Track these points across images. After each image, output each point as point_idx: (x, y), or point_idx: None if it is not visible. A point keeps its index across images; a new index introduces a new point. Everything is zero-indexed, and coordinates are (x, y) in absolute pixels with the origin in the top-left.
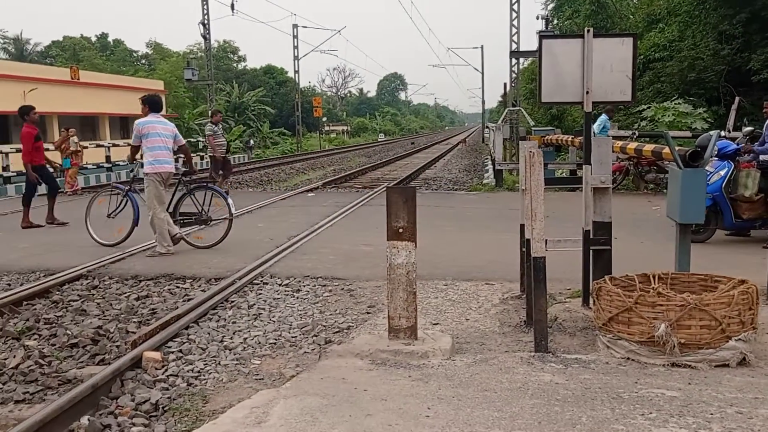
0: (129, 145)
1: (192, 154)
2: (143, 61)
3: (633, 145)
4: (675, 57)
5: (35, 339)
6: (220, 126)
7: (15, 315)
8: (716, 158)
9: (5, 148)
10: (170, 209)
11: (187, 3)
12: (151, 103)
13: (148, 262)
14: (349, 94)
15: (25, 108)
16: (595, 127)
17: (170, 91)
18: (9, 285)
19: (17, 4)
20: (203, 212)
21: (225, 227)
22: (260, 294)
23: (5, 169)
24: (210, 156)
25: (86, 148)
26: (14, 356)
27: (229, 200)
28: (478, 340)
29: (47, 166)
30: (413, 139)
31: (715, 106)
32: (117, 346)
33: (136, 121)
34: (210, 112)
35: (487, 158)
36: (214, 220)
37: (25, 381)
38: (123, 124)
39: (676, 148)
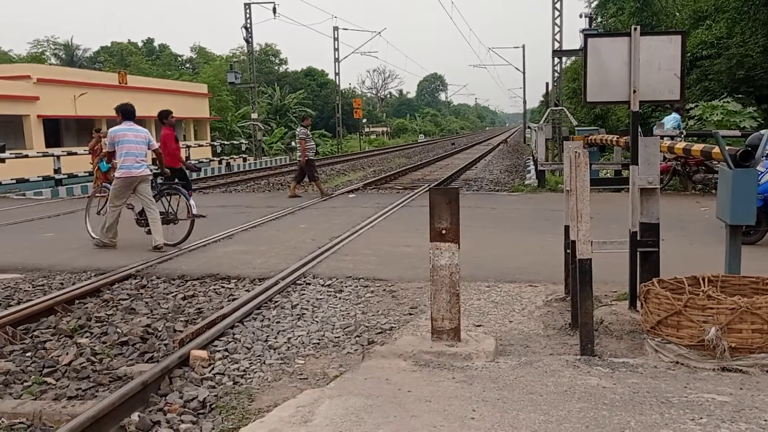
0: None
1: (234, 157)
2: (187, 65)
3: (681, 144)
4: (723, 54)
5: (87, 337)
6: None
7: (68, 313)
8: (767, 158)
9: (57, 151)
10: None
11: (231, 8)
12: (124, 112)
13: (193, 263)
14: (389, 96)
15: (164, 112)
16: (669, 125)
17: (214, 94)
18: (62, 284)
19: (68, 12)
20: (170, 212)
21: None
22: (303, 294)
23: (57, 171)
24: (298, 160)
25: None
26: (67, 353)
27: (191, 201)
28: (522, 343)
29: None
30: (453, 139)
31: (765, 105)
32: (165, 345)
33: (110, 130)
34: (301, 117)
35: (528, 159)
36: (181, 219)
37: (78, 378)
38: None
39: (726, 147)
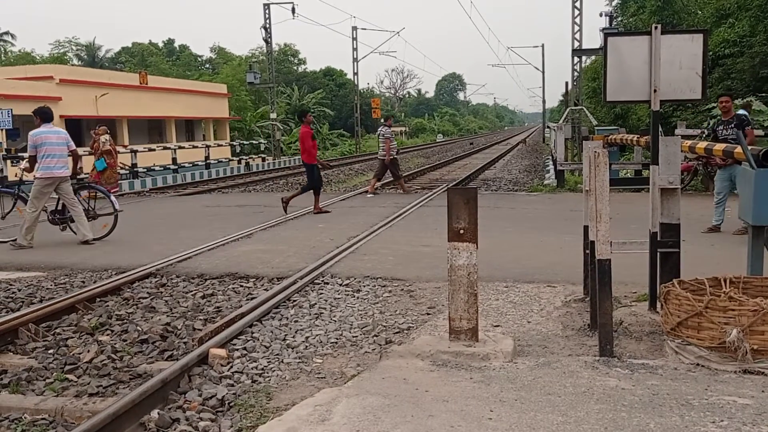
0: (194, 147)
1: (253, 157)
2: (207, 66)
3: (702, 144)
4: (746, 53)
5: (108, 334)
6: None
7: (89, 311)
8: None
9: (79, 150)
10: (59, 207)
11: (250, 8)
12: (42, 115)
13: (212, 261)
14: (407, 95)
15: (302, 111)
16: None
17: (233, 94)
18: (83, 282)
19: (90, 14)
20: (90, 209)
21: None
22: (321, 293)
23: (79, 170)
24: (381, 158)
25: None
26: (88, 351)
27: (112, 197)
28: (541, 343)
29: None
30: (472, 139)
31: None
32: (184, 343)
33: (30, 133)
34: (383, 117)
35: (547, 158)
36: (101, 215)
37: (99, 375)
38: (188, 127)
39: (749, 147)
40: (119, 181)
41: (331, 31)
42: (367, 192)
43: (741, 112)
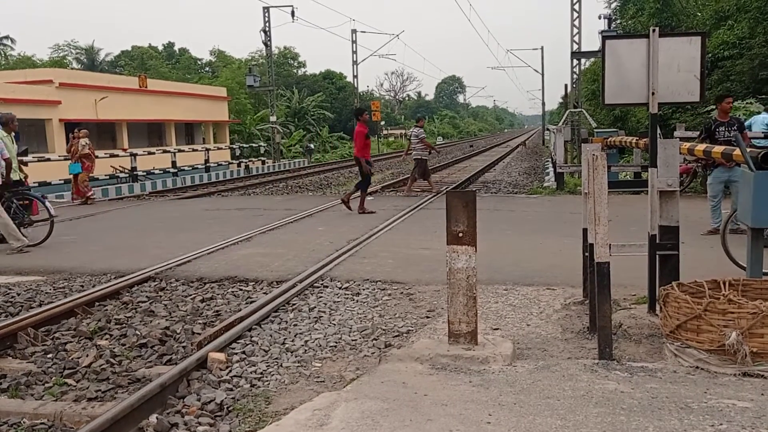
0: (194, 150)
1: (253, 160)
2: (207, 69)
3: (701, 146)
4: (745, 55)
5: (107, 339)
6: None
7: (88, 315)
8: None
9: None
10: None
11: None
12: None
13: (212, 265)
14: (407, 98)
15: (359, 110)
16: (760, 127)
17: (232, 97)
18: (82, 286)
19: (90, 17)
20: (24, 216)
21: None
22: (320, 297)
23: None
24: (416, 159)
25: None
26: (87, 355)
27: (47, 203)
28: (540, 346)
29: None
30: (472, 142)
31: None
32: (183, 347)
33: None
34: (415, 119)
35: (547, 161)
36: (36, 222)
37: (98, 379)
38: (188, 130)
39: (748, 149)
40: (92, 188)
41: (331, 34)
42: (405, 192)
43: (764, 115)
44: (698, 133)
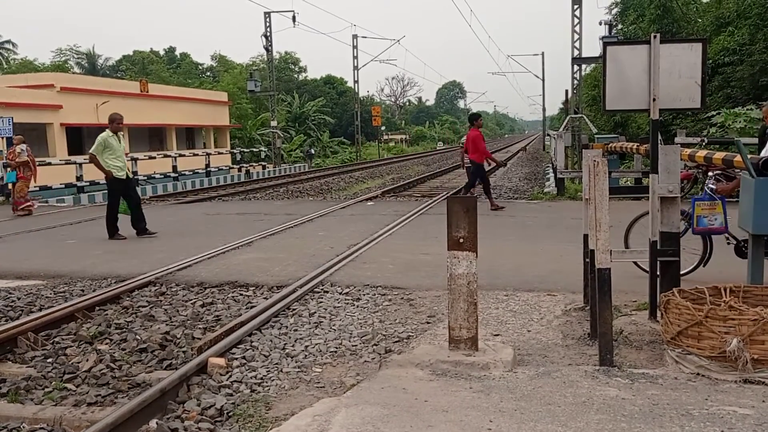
0: (194, 155)
1: (254, 164)
2: (208, 74)
3: (702, 152)
4: (746, 61)
5: (107, 343)
6: None
7: (88, 320)
8: None
9: (79, 158)
10: None
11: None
12: None
13: (212, 270)
14: (407, 103)
15: (474, 115)
16: None
17: (233, 101)
18: (83, 291)
19: (91, 21)
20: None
21: None
22: (321, 302)
23: (79, 178)
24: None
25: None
26: (87, 360)
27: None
28: (541, 353)
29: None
30: None
31: None
32: (183, 352)
33: None
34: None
35: (547, 166)
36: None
37: (98, 384)
38: (189, 135)
39: (749, 155)
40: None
41: (332, 39)
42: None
43: None
44: (699, 140)
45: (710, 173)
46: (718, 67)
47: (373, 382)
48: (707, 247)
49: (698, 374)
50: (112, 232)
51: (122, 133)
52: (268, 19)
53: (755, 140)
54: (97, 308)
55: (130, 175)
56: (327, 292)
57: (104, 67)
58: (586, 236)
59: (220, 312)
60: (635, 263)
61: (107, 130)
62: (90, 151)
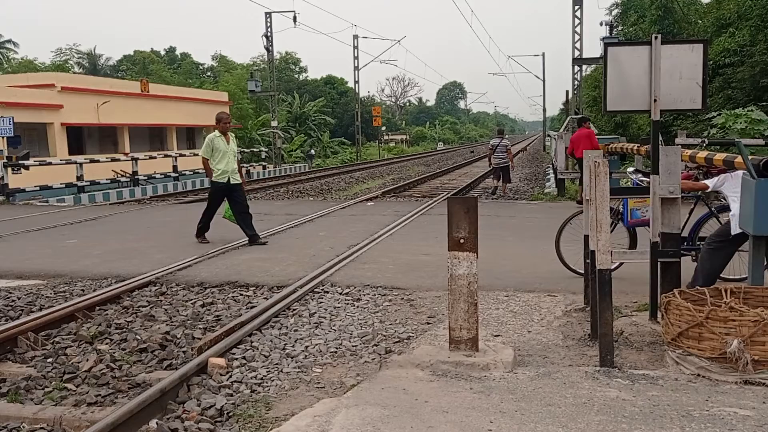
0: (195, 155)
1: (254, 164)
2: (209, 74)
3: (703, 153)
4: (746, 62)
5: (107, 343)
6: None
7: (88, 320)
8: None
9: (80, 158)
10: None
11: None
12: None
13: (212, 270)
14: (408, 104)
15: (583, 118)
16: None
17: (234, 102)
18: (83, 291)
19: (92, 21)
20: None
21: None
22: (321, 302)
23: (80, 178)
24: (497, 165)
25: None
26: (87, 360)
27: None
28: (541, 353)
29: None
30: (473, 147)
31: None
32: (183, 352)
33: None
34: (498, 131)
35: (548, 167)
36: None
37: (97, 384)
38: (189, 135)
39: (750, 156)
40: None
41: (333, 39)
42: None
43: None
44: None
45: (631, 169)
46: (719, 68)
47: (373, 383)
48: (634, 239)
49: (699, 375)
50: (199, 234)
51: (232, 133)
52: (268, 20)
53: (756, 141)
54: (98, 308)
55: (235, 180)
56: (327, 292)
57: (105, 67)
58: (586, 237)
59: (221, 312)
60: (564, 264)
61: (215, 130)
62: (200, 153)
